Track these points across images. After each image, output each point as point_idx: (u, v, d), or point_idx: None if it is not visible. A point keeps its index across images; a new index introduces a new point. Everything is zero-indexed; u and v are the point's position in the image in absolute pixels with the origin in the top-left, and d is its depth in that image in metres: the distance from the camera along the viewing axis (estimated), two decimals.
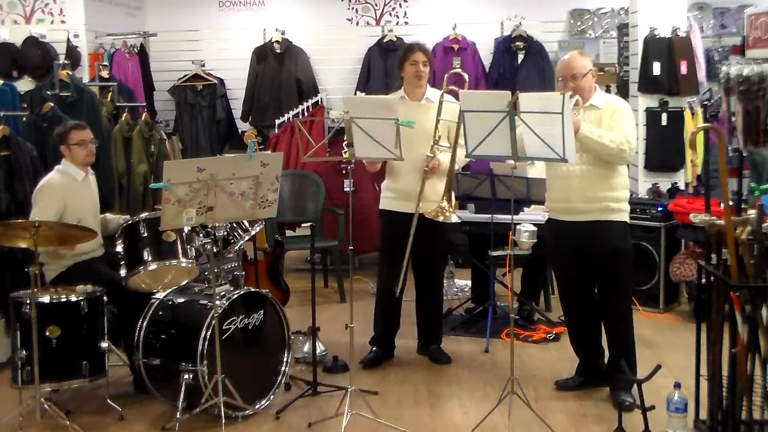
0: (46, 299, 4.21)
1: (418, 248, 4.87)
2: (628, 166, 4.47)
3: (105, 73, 7.32)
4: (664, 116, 6.88)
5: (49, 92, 6.04)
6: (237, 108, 8.59)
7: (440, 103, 4.66)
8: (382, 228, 4.99)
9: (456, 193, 5.71)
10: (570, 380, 4.62)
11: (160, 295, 4.44)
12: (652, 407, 3.87)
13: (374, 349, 5.06)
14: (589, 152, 4.19)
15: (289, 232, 7.43)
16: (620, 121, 4.24)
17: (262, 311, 4.39)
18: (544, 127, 3.83)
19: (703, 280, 4.00)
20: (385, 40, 8.33)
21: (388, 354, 5.12)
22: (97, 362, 4.31)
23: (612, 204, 4.29)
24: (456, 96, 4.62)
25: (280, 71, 8.34)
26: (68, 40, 7.13)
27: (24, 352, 4.16)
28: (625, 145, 4.16)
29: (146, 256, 4.42)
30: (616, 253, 4.32)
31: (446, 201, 4.52)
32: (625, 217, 4.37)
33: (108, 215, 5.01)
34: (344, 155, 4.31)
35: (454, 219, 4.57)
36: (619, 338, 4.36)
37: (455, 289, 6.57)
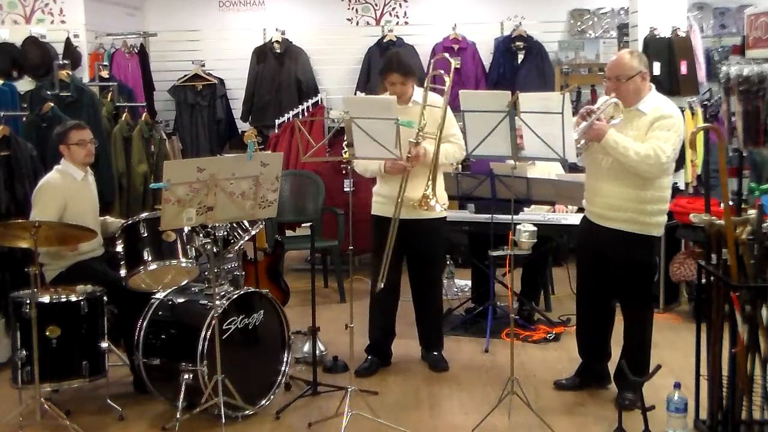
0: (46, 299, 4.21)
1: (414, 252, 4.84)
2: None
3: (105, 73, 7.33)
4: None
5: (49, 92, 6.04)
6: (237, 108, 8.59)
7: (425, 89, 4.56)
8: (374, 232, 4.89)
9: (456, 193, 5.73)
10: (569, 380, 4.61)
11: (160, 295, 4.44)
12: (652, 407, 3.87)
13: (369, 357, 4.98)
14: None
15: (289, 232, 7.43)
16: (658, 131, 3.99)
17: (262, 311, 4.38)
18: (544, 127, 3.83)
19: (703, 280, 3.99)
20: (385, 40, 8.34)
21: (385, 362, 5.03)
22: (97, 362, 4.31)
23: (637, 216, 4.12)
24: (440, 95, 4.59)
25: (280, 71, 8.35)
26: (68, 40, 7.14)
27: (24, 352, 4.16)
28: (651, 159, 3.94)
29: (146, 256, 4.42)
30: (636, 267, 4.21)
31: (431, 189, 4.41)
32: (653, 231, 4.18)
33: (108, 218, 5.01)
34: (344, 155, 4.30)
35: (438, 209, 4.45)
36: (633, 344, 4.32)
37: (455, 289, 6.56)
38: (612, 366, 4.50)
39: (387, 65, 4.74)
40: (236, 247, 4.85)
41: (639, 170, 4.02)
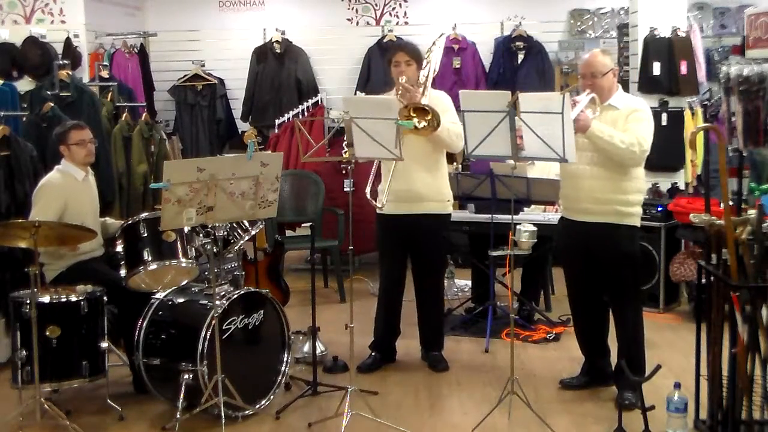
0: (46, 299, 4.21)
1: (417, 253, 4.85)
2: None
3: (105, 73, 7.33)
4: (664, 116, 6.87)
5: (49, 92, 6.04)
6: (237, 108, 8.59)
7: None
8: (378, 231, 4.94)
9: (456, 193, 5.73)
10: (575, 379, 4.61)
11: (160, 295, 4.44)
12: (652, 407, 3.87)
13: (373, 354, 5.01)
14: (599, 152, 4.14)
15: (289, 232, 7.43)
16: (635, 123, 4.15)
17: (262, 311, 4.38)
18: (544, 127, 3.83)
19: (703, 280, 4.00)
20: (385, 40, 8.33)
21: (389, 358, 5.06)
22: (97, 362, 4.30)
23: (621, 208, 4.22)
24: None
25: (280, 71, 8.35)
26: (68, 40, 7.14)
27: (24, 352, 4.16)
28: (635, 147, 4.07)
29: (146, 256, 4.42)
30: (623, 258, 4.27)
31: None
32: (635, 221, 4.30)
33: (108, 219, 5.01)
34: (344, 155, 4.30)
35: (425, 101, 4.46)
36: (627, 340, 4.34)
37: (455, 289, 6.56)
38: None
39: (396, 45, 4.82)
40: (236, 247, 4.85)
41: (623, 157, 4.11)
